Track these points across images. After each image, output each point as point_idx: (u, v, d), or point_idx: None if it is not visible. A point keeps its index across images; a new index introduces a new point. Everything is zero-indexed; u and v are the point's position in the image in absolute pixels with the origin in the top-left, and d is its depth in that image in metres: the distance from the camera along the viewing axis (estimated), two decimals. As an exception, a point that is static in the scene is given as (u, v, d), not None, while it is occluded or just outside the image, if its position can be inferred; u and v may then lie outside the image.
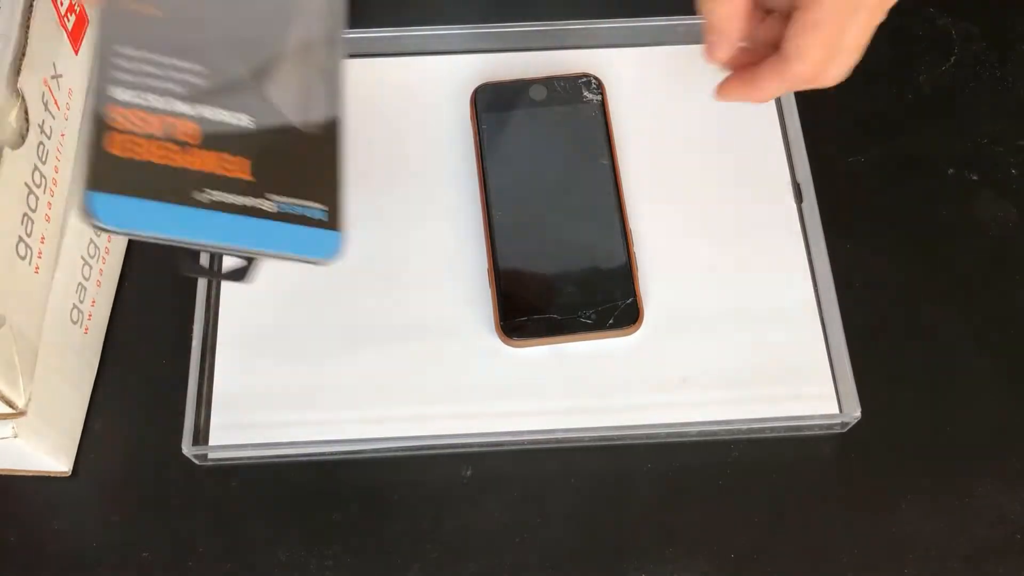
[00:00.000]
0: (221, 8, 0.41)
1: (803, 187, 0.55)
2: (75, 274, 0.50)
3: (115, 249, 0.54)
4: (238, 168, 0.39)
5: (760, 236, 0.55)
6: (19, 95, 0.45)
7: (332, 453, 0.50)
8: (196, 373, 0.50)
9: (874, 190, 0.57)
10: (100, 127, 0.37)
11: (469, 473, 0.50)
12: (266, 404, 0.51)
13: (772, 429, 0.50)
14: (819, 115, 0.58)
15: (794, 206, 0.56)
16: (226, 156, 0.39)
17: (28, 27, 0.46)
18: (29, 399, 0.45)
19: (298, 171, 0.40)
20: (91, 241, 0.51)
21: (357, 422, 0.50)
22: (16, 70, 0.45)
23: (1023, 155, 0.58)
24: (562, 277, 0.53)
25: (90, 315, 0.51)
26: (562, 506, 0.49)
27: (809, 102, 0.57)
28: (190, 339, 0.51)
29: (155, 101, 0.38)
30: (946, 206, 0.57)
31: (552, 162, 0.55)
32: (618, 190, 0.54)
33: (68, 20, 0.50)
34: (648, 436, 0.50)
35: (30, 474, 0.49)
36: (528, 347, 0.52)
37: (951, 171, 0.58)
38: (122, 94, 0.38)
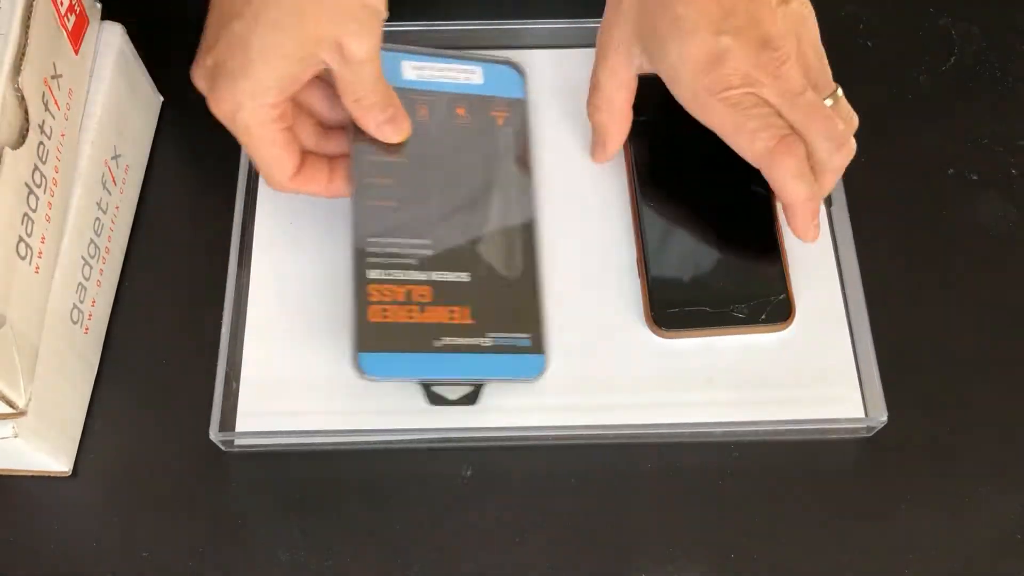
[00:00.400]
0: (439, 193, 0.52)
1: (833, 191, 0.55)
2: (75, 274, 0.50)
3: (115, 249, 0.54)
4: (461, 315, 0.49)
5: (789, 238, 0.54)
6: (19, 94, 0.45)
7: (370, 443, 0.50)
8: (224, 360, 0.50)
9: (874, 190, 0.57)
10: (362, 302, 0.48)
11: (469, 473, 0.50)
12: (292, 392, 0.51)
13: (792, 432, 0.50)
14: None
15: (823, 209, 0.55)
16: (453, 307, 0.49)
17: (28, 27, 0.46)
18: (29, 399, 0.45)
19: (507, 310, 0.50)
20: (91, 241, 0.51)
21: (365, 413, 0.50)
22: (16, 69, 0.45)
23: (1023, 155, 0.58)
24: (715, 270, 0.53)
25: (90, 315, 0.51)
26: (562, 506, 0.49)
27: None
28: (189, 338, 0.51)
29: (398, 274, 0.49)
30: (946, 206, 0.57)
31: (701, 156, 0.54)
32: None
33: (68, 20, 0.50)
34: (667, 436, 0.50)
35: (30, 474, 0.49)
36: (680, 338, 0.52)
37: (951, 171, 0.58)
38: (375, 274, 0.49)
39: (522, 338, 0.50)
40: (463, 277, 0.50)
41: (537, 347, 0.50)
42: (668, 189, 0.55)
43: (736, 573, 0.48)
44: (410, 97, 0.52)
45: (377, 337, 0.48)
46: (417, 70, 0.54)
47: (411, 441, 0.50)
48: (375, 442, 0.50)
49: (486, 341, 0.49)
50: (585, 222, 0.55)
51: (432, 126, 0.53)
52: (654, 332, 0.52)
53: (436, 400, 0.49)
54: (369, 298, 0.48)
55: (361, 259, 0.49)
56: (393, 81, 0.51)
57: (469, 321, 0.49)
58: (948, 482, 0.50)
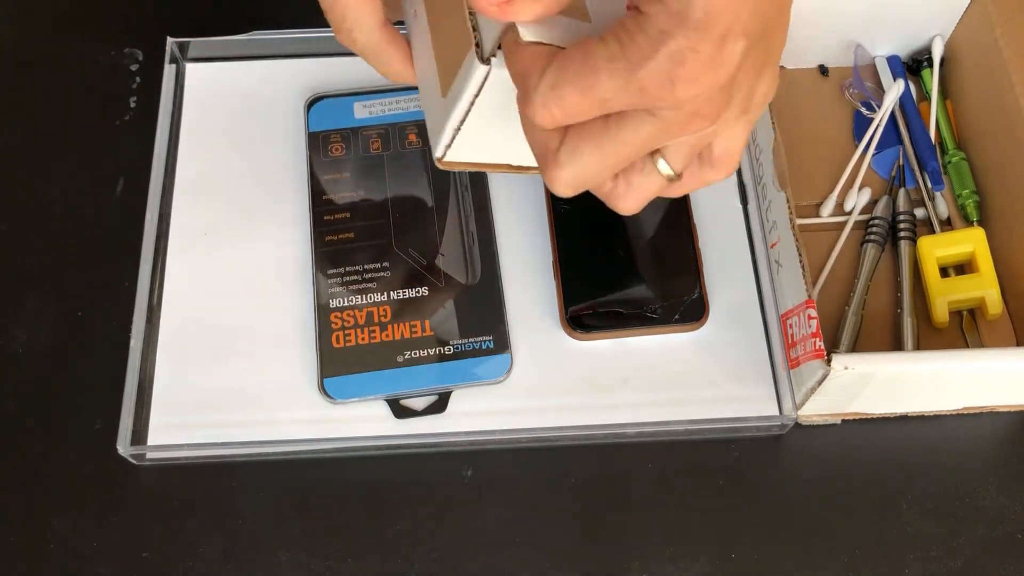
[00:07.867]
0: (395, 216, 0.54)
1: (747, 188, 0.56)
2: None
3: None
4: (421, 328, 0.52)
5: (706, 235, 0.55)
6: None
7: (276, 453, 0.50)
8: (136, 372, 0.50)
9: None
10: (326, 330, 0.51)
11: (469, 473, 0.50)
12: (207, 404, 0.51)
13: (704, 431, 0.50)
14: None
15: (739, 206, 0.56)
16: (412, 322, 0.52)
17: None
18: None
19: (467, 316, 0.52)
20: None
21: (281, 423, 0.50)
22: None
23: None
24: (629, 272, 0.53)
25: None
26: (562, 506, 0.49)
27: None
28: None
29: (357, 300, 0.52)
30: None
31: None
32: None
33: None
34: (581, 439, 0.50)
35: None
36: (591, 340, 0.52)
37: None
38: (336, 302, 0.52)
39: (483, 340, 0.51)
40: (422, 292, 0.52)
41: (500, 347, 0.51)
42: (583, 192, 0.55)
43: (736, 573, 0.48)
44: (364, 133, 0.56)
45: (341, 361, 0.51)
46: (368, 108, 0.57)
47: (321, 451, 0.50)
48: (285, 453, 0.49)
49: (447, 349, 0.51)
50: (509, 226, 0.55)
51: (385, 155, 0.56)
52: (568, 335, 0.52)
53: (402, 413, 0.50)
54: (332, 326, 0.51)
55: (322, 290, 0.52)
56: (347, 122, 0.56)
57: (429, 332, 0.52)
58: (947, 482, 0.50)
